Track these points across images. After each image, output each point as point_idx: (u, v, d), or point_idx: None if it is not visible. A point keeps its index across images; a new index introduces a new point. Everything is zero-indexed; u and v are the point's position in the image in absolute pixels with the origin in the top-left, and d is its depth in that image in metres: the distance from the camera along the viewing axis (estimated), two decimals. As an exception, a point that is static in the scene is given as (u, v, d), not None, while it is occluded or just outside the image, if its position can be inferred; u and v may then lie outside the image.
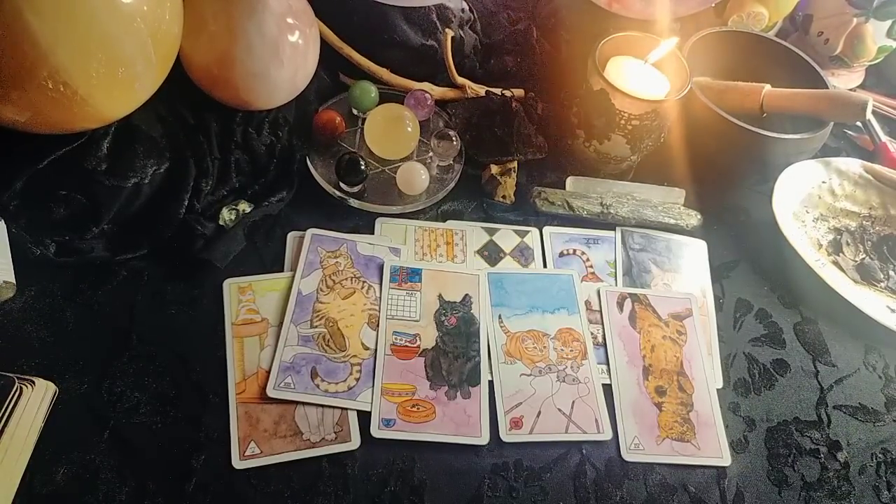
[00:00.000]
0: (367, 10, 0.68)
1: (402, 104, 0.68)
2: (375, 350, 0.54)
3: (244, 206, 0.60)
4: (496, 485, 0.49)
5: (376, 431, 0.50)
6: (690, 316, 0.61)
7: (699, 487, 0.52)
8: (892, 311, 0.64)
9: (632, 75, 0.64)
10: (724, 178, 0.72)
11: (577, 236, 0.66)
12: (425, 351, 0.55)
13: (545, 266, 0.63)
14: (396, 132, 0.65)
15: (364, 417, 0.51)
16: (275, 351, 0.53)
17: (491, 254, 0.63)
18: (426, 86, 0.71)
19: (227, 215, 0.59)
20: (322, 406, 0.51)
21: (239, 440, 0.48)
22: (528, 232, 0.65)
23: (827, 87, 0.72)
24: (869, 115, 0.68)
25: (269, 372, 0.52)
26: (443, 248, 0.62)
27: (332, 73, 0.71)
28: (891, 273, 0.69)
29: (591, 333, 0.59)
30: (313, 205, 0.63)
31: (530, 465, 0.51)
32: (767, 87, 0.71)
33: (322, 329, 0.55)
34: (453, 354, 0.55)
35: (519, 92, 0.74)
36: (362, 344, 0.55)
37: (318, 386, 0.52)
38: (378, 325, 0.56)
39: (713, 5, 0.76)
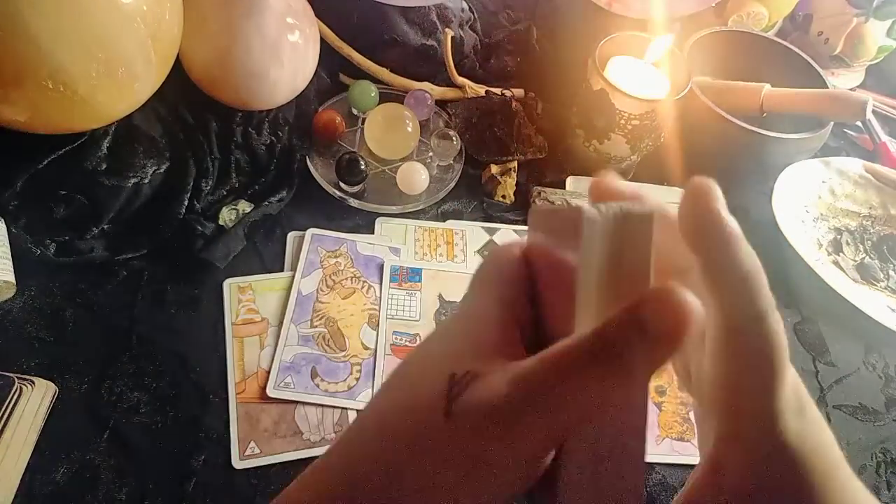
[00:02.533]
0: (367, 9, 0.68)
1: (402, 104, 0.68)
2: (375, 350, 0.54)
3: (244, 206, 0.60)
4: (496, 485, 0.49)
5: (376, 431, 0.50)
6: (690, 316, 0.61)
7: (699, 487, 0.52)
8: (893, 310, 0.64)
9: (632, 75, 0.64)
10: (723, 178, 0.71)
11: (577, 236, 0.66)
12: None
13: (545, 266, 0.63)
14: (396, 132, 0.65)
15: (364, 417, 0.51)
16: (275, 351, 0.53)
17: (491, 254, 0.63)
18: (426, 85, 0.71)
19: (227, 215, 0.59)
20: (322, 406, 0.51)
21: (239, 440, 0.48)
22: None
23: (827, 87, 0.72)
24: (869, 115, 0.68)
25: (269, 372, 0.52)
26: (443, 248, 0.62)
27: (332, 73, 0.71)
28: (891, 273, 0.69)
29: (591, 333, 0.59)
30: (313, 205, 0.63)
31: (530, 465, 0.51)
32: (767, 86, 0.71)
33: (322, 329, 0.55)
34: (453, 354, 0.55)
35: (519, 92, 0.74)
36: (362, 344, 0.55)
37: (317, 386, 0.52)
38: (378, 325, 0.56)
39: (713, 5, 0.76)
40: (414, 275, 0.59)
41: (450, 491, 0.19)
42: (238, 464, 0.47)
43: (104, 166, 0.55)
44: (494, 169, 0.67)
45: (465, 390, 0.19)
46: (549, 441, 0.19)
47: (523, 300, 0.22)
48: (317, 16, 0.64)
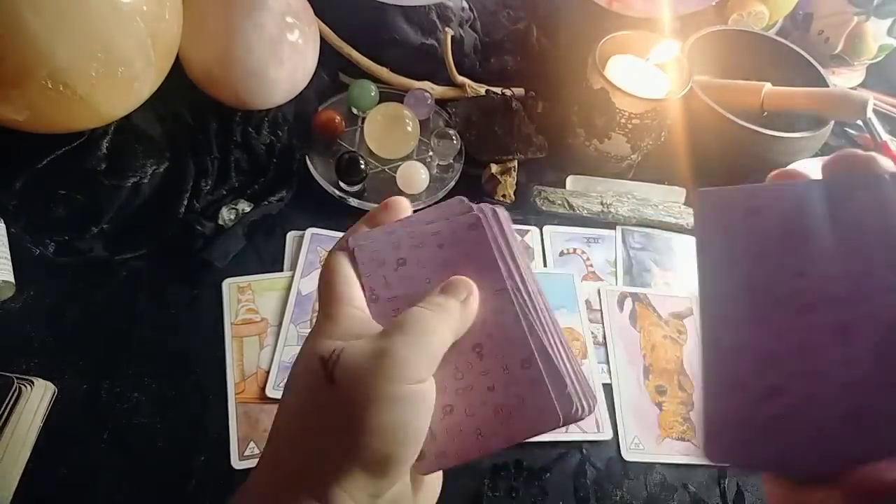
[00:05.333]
0: (367, 9, 0.68)
1: (402, 103, 0.67)
2: (375, 350, 0.54)
3: (244, 206, 0.59)
4: (496, 485, 0.49)
5: (376, 431, 0.50)
6: (691, 315, 0.61)
7: (699, 487, 0.52)
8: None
9: (632, 74, 0.64)
10: (724, 176, 0.71)
11: (578, 235, 0.66)
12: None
13: (545, 265, 0.63)
14: (396, 131, 0.65)
15: (364, 417, 0.51)
16: (274, 351, 0.53)
17: (491, 253, 0.63)
18: (426, 85, 0.71)
19: (226, 215, 0.58)
20: (322, 406, 0.51)
21: (238, 440, 0.48)
22: (528, 231, 0.65)
23: (827, 86, 0.72)
24: (870, 114, 0.68)
25: (268, 372, 0.52)
26: (443, 248, 0.62)
27: (332, 72, 0.71)
28: (892, 272, 0.69)
29: (592, 333, 0.59)
30: (313, 204, 0.63)
31: (530, 465, 0.51)
32: (768, 85, 0.71)
33: (322, 329, 0.55)
34: (453, 354, 0.55)
35: (519, 91, 0.74)
36: (362, 343, 0.55)
37: (317, 386, 0.52)
38: (378, 325, 0.56)
39: (714, 4, 0.76)
40: (414, 274, 0.59)
41: (343, 445, 0.23)
42: (238, 464, 0.47)
43: (104, 166, 0.55)
44: (494, 168, 0.67)
45: (337, 362, 0.24)
46: (423, 369, 0.25)
47: (362, 294, 0.29)
48: (316, 15, 0.64)
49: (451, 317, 0.26)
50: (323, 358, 0.25)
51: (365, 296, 0.29)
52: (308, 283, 0.57)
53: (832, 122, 0.70)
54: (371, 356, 0.24)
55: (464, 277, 0.27)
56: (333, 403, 0.24)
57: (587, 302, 0.61)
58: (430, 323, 0.25)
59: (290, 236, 0.60)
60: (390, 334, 0.25)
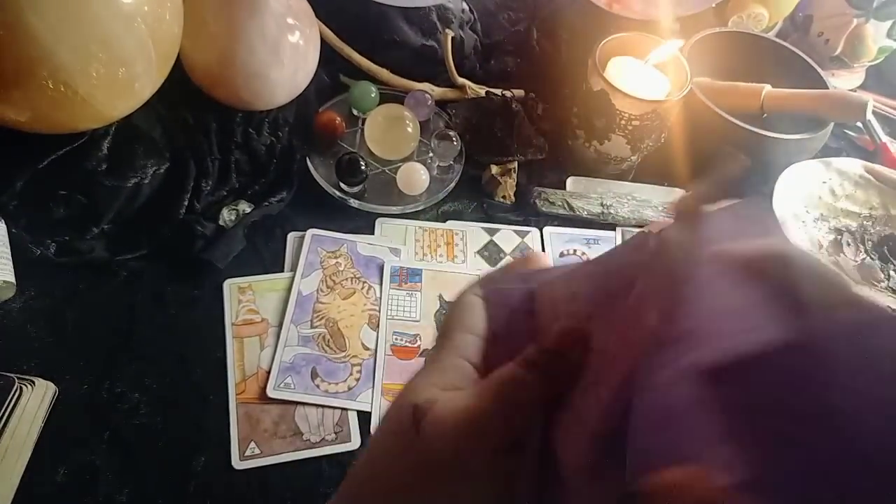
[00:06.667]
0: (367, 10, 0.68)
1: (403, 104, 0.68)
2: (375, 350, 0.54)
3: (244, 207, 0.59)
4: None
5: (376, 432, 0.50)
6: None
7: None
8: (893, 311, 0.64)
9: (632, 76, 0.64)
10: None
11: (578, 237, 0.66)
12: (425, 351, 0.55)
13: (545, 266, 0.63)
14: (397, 132, 0.65)
15: (364, 418, 0.51)
16: (275, 351, 0.53)
17: (491, 254, 0.63)
18: (426, 86, 0.71)
19: (227, 215, 0.59)
20: (322, 406, 0.51)
21: (239, 440, 0.48)
22: (528, 232, 0.65)
23: (827, 88, 0.72)
24: (869, 116, 0.68)
25: (269, 372, 0.52)
26: (443, 249, 0.62)
27: (333, 73, 0.71)
28: (891, 273, 0.69)
29: (592, 334, 0.59)
30: (313, 205, 0.63)
31: (530, 466, 0.51)
32: (768, 87, 0.71)
33: (322, 329, 0.55)
34: (453, 355, 0.55)
35: (519, 92, 0.74)
36: (362, 344, 0.55)
37: (318, 386, 0.52)
38: (378, 326, 0.56)
39: (713, 6, 0.76)
40: (414, 275, 0.59)
41: (429, 493, 0.23)
42: (238, 464, 0.47)
43: (104, 166, 0.55)
44: (495, 169, 0.67)
45: (427, 412, 0.24)
46: (504, 436, 0.23)
47: (479, 343, 0.27)
48: (317, 16, 0.64)
49: (544, 378, 0.24)
50: (416, 405, 0.24)
51: (486, 339, 0.27)
52: (308, 284, 0.57)
53: (832, 124, 0.70)
54: (459, 415, 0.23)
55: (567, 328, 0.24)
56: (416, 453, 0.24)
57: (587, 303, 0.61)
58: (519, 386, 0.23)
59: (291, 237, 0.60)
60: (481, 394, 0.23)
